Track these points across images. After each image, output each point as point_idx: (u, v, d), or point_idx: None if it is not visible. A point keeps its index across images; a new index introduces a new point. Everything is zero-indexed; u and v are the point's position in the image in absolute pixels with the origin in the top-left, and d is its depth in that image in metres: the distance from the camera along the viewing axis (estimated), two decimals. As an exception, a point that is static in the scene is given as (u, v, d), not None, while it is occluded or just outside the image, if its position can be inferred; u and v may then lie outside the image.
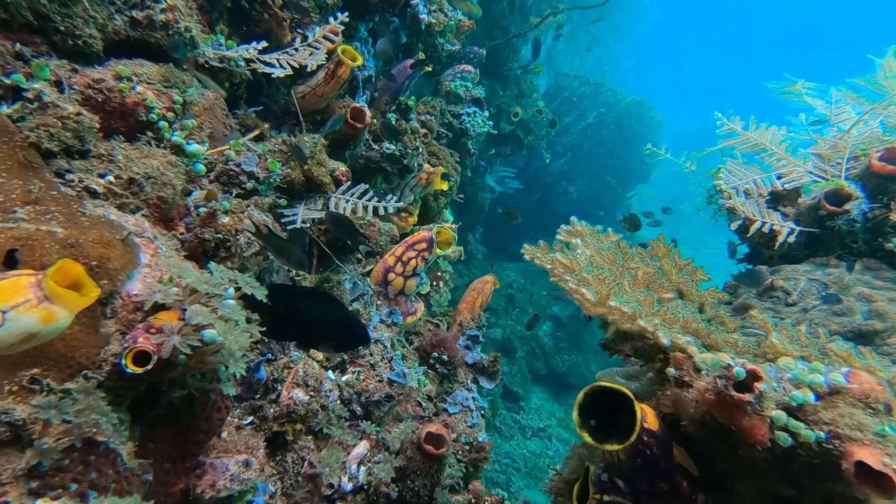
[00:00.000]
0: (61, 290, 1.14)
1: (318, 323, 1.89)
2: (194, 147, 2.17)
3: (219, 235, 2.10)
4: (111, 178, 1.89)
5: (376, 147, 3.27)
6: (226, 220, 2.15)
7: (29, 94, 1.81)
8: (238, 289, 1.79)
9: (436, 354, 3.13)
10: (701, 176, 3.20)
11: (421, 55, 3.73)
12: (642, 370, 1.98)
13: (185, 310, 1.59)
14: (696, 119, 26.19)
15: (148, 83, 2.11)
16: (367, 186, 2.66)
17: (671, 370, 1.48)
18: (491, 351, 3.50)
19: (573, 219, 2.02)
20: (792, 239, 2.54)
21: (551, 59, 15.74)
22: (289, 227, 2.45)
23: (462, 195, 5.51)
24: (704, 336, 1.57)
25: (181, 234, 2.12)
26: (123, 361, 1.43)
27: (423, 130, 3.55)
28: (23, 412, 1.33)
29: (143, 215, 1.90)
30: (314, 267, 2.79)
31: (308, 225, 2.49)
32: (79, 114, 1.87)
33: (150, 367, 1.44)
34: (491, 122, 5.67)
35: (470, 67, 6.11)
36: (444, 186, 3.70)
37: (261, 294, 1.77)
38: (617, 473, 1.52)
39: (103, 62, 2.09)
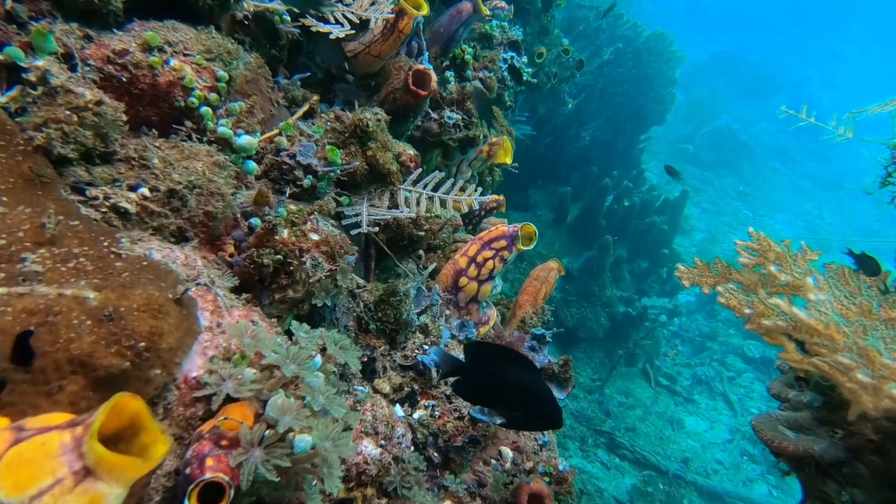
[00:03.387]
0: (113, 456, 0.69)
1: (516, 391, 1.61)
2: (245, 140, 1.67)
3: (278, 256, 1.64)
4: (146, 190, 1.41)
5: (435, 116, 2.75)
6: (285, 234, 1.68)
7: (31, 76, 1.29)
8: (324, 350, 1.36)
9: (501, 362, 2.74)
10: (871, 147, 2.61)
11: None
12: (820, 425, 1.58)
13: (264, 402, 1.16)
14: (706, 50, 24.95)
15: (185, 55, 1.58)
16: (442, 175, 2.17)
17: None
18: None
19: (754, 231, 1.57)
20: None
21: (562, -16, 14.61)
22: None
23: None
24: None
25: (230, 255, 1.65)
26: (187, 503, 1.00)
27: (485, 90, 3.02)
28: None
29: (193, 247, 1.43)
30: (372, 272, 2.34)
31: (375, 229, 2.03)
32: (100, 102, 1.36)
33: (225, 504, 1.02)
34: (530, 69, 5.08)
35: (503, 3, 5.42)
36: (509, 160, 3.19)
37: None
38: None
39: (124, 25, 1.56)
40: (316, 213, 1.78)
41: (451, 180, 2.17)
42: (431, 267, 2.53)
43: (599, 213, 10.19)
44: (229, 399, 1.16)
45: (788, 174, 18.92)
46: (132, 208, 1.37)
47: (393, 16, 2.13)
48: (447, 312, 2.42)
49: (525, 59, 5.03)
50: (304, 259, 1.67)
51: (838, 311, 1.30)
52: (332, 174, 1.94)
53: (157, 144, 1.49)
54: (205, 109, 1.60)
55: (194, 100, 1.57)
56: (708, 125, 19.32)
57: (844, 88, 25.87)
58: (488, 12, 3.20)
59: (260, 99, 1.91)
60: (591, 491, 7.92)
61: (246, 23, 1.94)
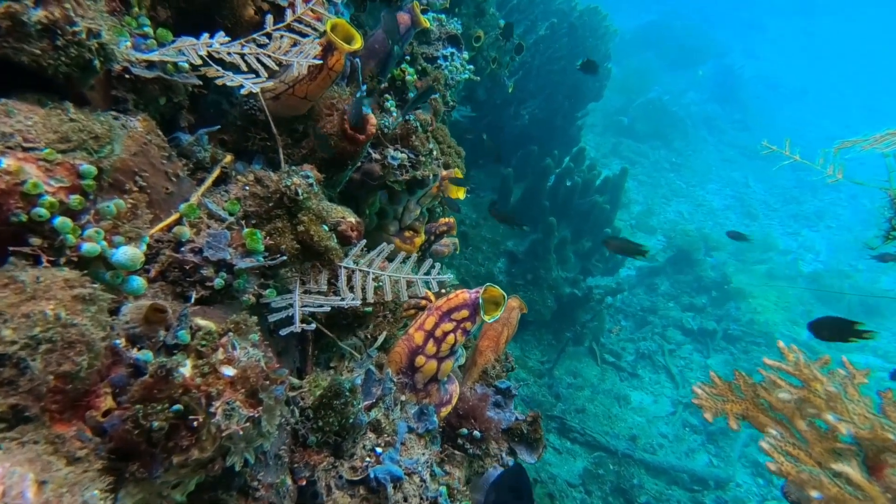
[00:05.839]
0: None
1: None
2: (125, 254, 1.20)
3: (178, 407, 1.19)
4: (-40, 364, 0.95)
5: (377, 156, 2.29)
6: (187, 372, 1.23)
7: None
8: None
9: (465, 431, 2.37)
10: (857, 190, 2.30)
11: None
12: None
13: None
14: (635, 20, 24.68)
15: (25, 149, 1.10)
16: (391, 248, 1.75)
17: None
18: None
19: (785, 347, 1.24)
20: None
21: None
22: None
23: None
24: None
25: (104, 415, 1.19)
26: None
27: (430, 117, 2.57)
28: None
29: (22, 458, 0.95)
30: (310, 357, 1.91)
31: (311, 326, 1.60)
32: None
33: None
34: (472, 67, 4.62)
35: (439, -9, 4.92)
36: (462, 195, 2.74)
37: None
38: None
39: (-74, 113, 1.06)
40: (231, 333, 1.34)
41: (403, 254, 1.75)
42: (382, 337, 2.12)
43: (542, 194, 9.94)
44: None
45: (716, 143, 19.23)
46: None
47: (320, 61, 1.66)
48: (402, 398, 2.01)
49: (466, 55, 4.57)
50: (213, 409, 1.23)
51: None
52: (254, 265, 1.49)
53: (-18, 288, 1.01)
54: (60, 221, 1.11)
55: (42, 211, 1.09)
56: (640, 97, 19.26)
57: (765, 57, 26.42)
58: (428, 24, 2.74)
59: (150, 174, 1.43)
60: (545, 478, 7.81)
61: (127, 76, 1.44)
